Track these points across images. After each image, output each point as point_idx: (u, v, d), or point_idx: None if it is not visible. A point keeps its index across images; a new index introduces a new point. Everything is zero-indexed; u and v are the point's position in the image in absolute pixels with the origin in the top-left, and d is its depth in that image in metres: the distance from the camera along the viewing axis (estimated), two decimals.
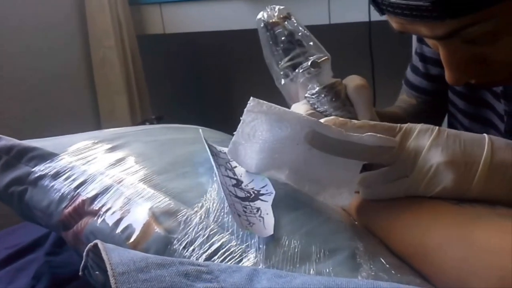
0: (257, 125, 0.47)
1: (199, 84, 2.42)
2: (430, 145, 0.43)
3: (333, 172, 0.47)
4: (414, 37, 0.89)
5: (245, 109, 0.47)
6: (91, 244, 0.35)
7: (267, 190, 0.49)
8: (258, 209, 0.46)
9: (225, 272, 0.34)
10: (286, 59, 0.59)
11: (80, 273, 0.37)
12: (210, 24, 1.86)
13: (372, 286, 0.31)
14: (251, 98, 0.47)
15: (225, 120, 1.27)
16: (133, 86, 1.92)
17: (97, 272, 0.35)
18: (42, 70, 1.65)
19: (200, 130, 0.59)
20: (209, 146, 0.58)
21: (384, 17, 0.53)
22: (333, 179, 0.48)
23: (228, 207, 0.44)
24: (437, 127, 0.44)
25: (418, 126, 0.45)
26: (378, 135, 0.44)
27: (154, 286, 0.30)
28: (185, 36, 1.91)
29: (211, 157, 0.53)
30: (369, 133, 0.44)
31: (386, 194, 0.46)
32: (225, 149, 0.61)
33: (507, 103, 0.71)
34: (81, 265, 0.36)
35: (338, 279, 0.33)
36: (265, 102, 0.47)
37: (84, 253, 0.36)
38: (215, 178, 0.49)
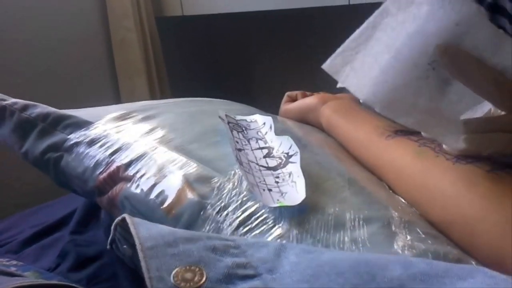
0: None
1: (218, 66, 2.41)
2: None
3: (442, 106, 0.42)
4: None
5: None
6: (119, 218, 0.35)
7: (293, 150, 0.49)
8: (290, 173, 0.46)
9: (252, 247, 0.33)
10: None
11: (107, 247, 0.37)
12: (229, 5, 1.84)
13: (403, 261, 0.30)
14: None
15: (244, 102, 1.26)
16: (152, 68, 1.92)
17: (125, 246, 0.35)
18: (63, 52, 1.66)
19: (221, 112, 0.59)
20: (235, 124, 0.57)
21: None
22: (442, 114, 0.42)
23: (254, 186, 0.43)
24: None
25: None
26: None
27: (182, 260, 0.30)
28: (204, 18, 1.89)
29: (233, 137, 0.53)
30: None
31: (490, 143, 0.41)
32: (254, 117, 0.61)
33: None
34: (109, 238, 0.37)
35: (368, 255, 0.32)
36: None
37: (112, 227, 0.36)
38: (236, 165, 0.47)
